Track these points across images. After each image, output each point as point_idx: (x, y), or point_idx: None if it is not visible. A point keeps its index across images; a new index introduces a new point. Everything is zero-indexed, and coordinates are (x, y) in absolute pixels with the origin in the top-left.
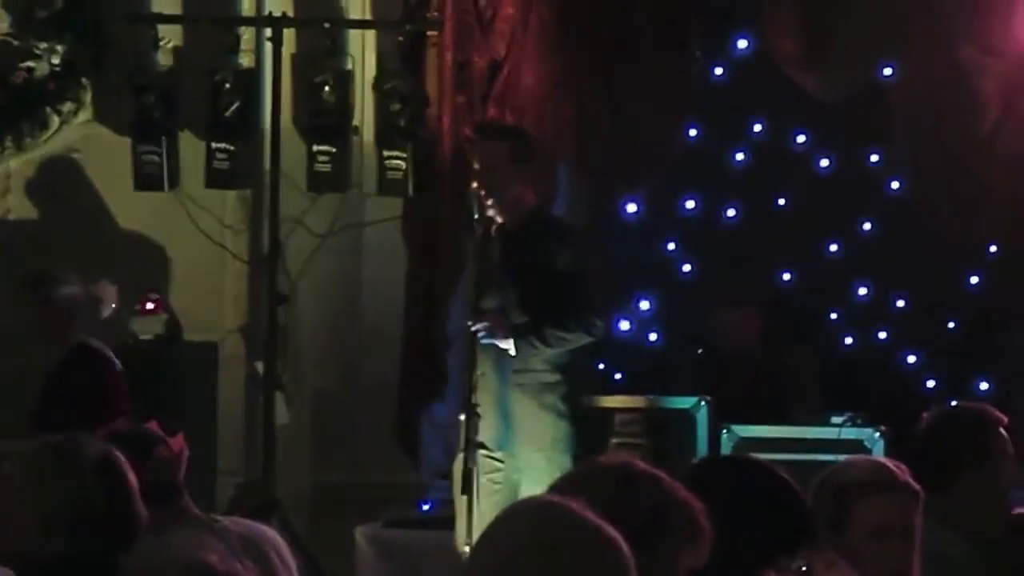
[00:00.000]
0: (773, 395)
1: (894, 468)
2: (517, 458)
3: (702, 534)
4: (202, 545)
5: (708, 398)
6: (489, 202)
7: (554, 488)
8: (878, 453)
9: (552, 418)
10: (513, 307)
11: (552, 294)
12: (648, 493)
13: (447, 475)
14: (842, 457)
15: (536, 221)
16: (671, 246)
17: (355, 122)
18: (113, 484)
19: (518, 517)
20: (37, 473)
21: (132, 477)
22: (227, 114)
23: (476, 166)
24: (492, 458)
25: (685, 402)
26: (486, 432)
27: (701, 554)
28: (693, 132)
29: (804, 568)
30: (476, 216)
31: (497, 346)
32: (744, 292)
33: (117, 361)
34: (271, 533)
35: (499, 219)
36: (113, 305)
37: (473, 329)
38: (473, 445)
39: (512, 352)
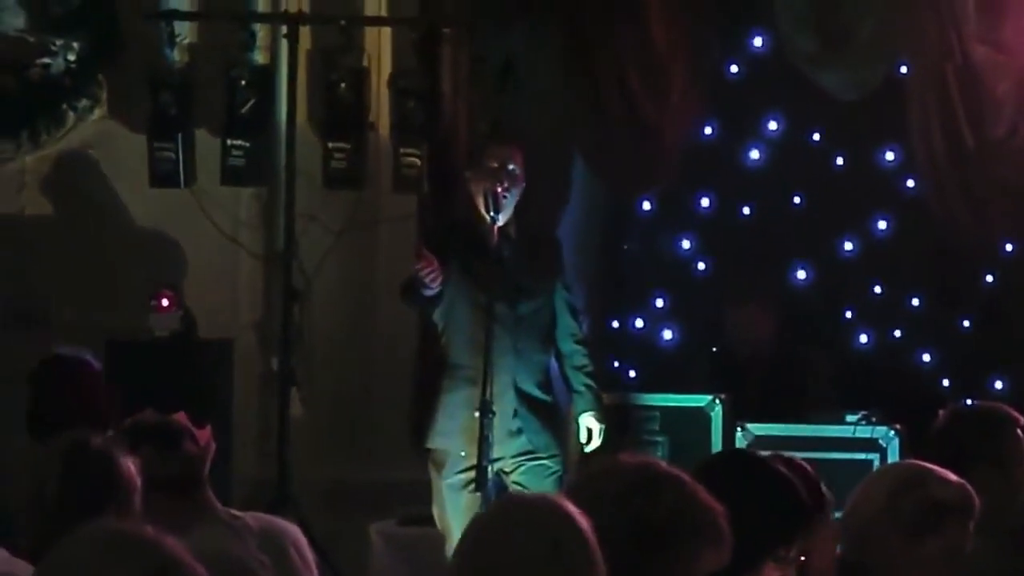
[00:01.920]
0: (788, 393)
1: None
2: (534, 453)
3: (722, 537)
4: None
5: (723, 396)
6: (504, 200)
7: (573, 485)
8: (893, 452)
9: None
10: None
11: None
12: (670, 494)
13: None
14: (858, 455)
15: (531, 232)
16: (686, 244)
17: (371, 119)
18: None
19: (511, 514)
20: None
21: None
22: (243, 111)
23: (492, 165)
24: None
25: (700, 400)
26: (500, 430)
27: (721, 557)
28: (708, 129)
29: (803, 558)
30: (492, 212)
31: (515, 344)
32: (759, 290)
33: (95, 363)
34: (291, 528)
35: (502, 220)
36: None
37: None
38: (488, 444)
39: (599, 436)
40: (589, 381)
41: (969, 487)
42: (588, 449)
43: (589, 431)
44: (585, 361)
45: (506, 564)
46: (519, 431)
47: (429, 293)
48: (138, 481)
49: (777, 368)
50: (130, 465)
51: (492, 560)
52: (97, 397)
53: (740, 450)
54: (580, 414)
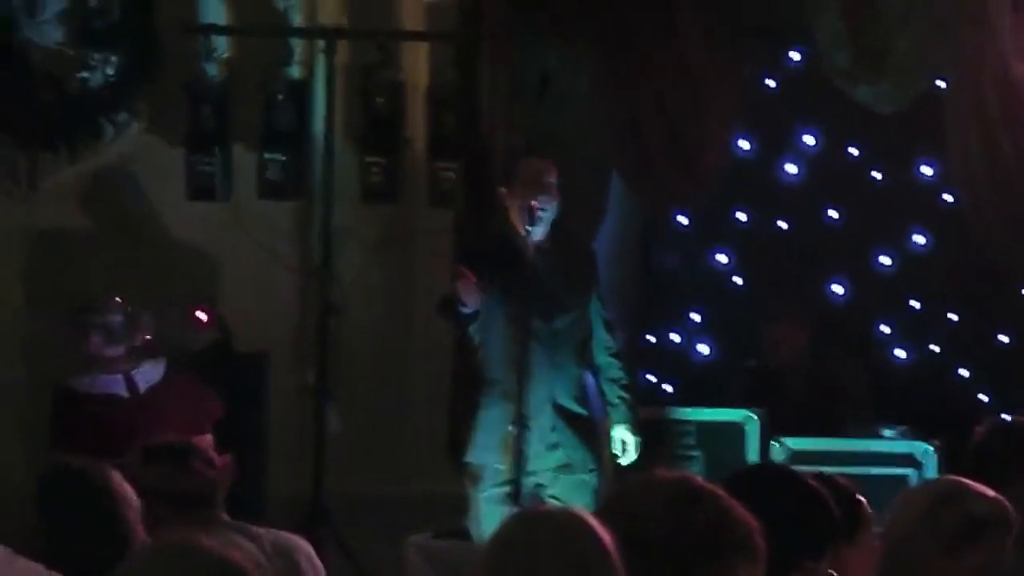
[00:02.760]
0: (825, 408)
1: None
2: (572, 468)
3: (758, 553)
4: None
5: (759, 410)
6: (540, 215)
7: (610, 501)
8: (930, 467)
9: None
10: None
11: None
12: (707, 510)
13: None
14: (896, 470)
15: (567, 244)
16: (722, 258)
17: (407, 133)
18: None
19: (533, 527)
20: None
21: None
22: (280, 125)
23: (528, 179)
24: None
25: (736, 414)
26: (536, 444)
27: (757, 573)
28: (745, 144)
29: (831, 572)
30: (529, 226)
31: (552, 358)
32: (795, 304)
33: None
34: (302, 543)
35: (539, 235)
36: (148, 336)
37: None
38: (524, 458)
39: (634, 449)
40: (624, 394)
41: (1007, 502)
42: (622, 462)
43: (624, 443)
44: (621, 374)
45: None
46: (556, 445)
47: (466, 311)
48: (131, 496)
49: (814, 383)
50: (120, 482)
51: (514, 572)
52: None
53: (770, 463)
54: (615, 426)
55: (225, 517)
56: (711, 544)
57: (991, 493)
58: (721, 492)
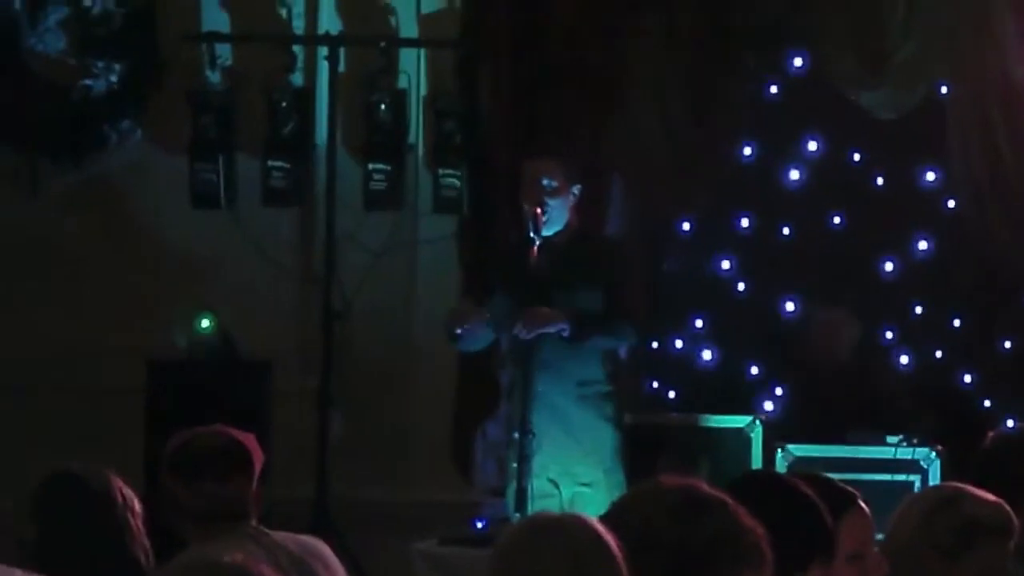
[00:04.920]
0: (829, 414)
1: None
2: (577, 474)
3: (764, 560)
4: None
5: (763, 417)
6: (543, 218)
7: (616, 507)
8: (934, 474)
9: (611, 429)
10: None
11: (599, 307)
12: (712, 518)
13: (501, 493)
14: (899, 477)
15: (584, 237)
16: (725, 264)
17: (410, 140)
18: None
19: (536, 530)
20: None
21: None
22: (283, 133)
23: (530, 181)
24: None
25: (740, 421)
26: (543, 449)
27: None
28: (748, 150)
29: None
30: (531, 233)
31: (556, 363)
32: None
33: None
34: (322, 548)
35: (546, 234)
36: None
37: (520, 336)
38: (528, 464)
39: (566, 333)
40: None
41: (1007, 507)
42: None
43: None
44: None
45: None
46: (562, 449)
47: (458, 332)
48: (134, 502)
49: (818, 388)
50: (121, 487)
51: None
52: None
53: (764, 472)
54: None
55: (254, 525)
56: (718, 551)
57: (991, 498)
58: (727, 499)
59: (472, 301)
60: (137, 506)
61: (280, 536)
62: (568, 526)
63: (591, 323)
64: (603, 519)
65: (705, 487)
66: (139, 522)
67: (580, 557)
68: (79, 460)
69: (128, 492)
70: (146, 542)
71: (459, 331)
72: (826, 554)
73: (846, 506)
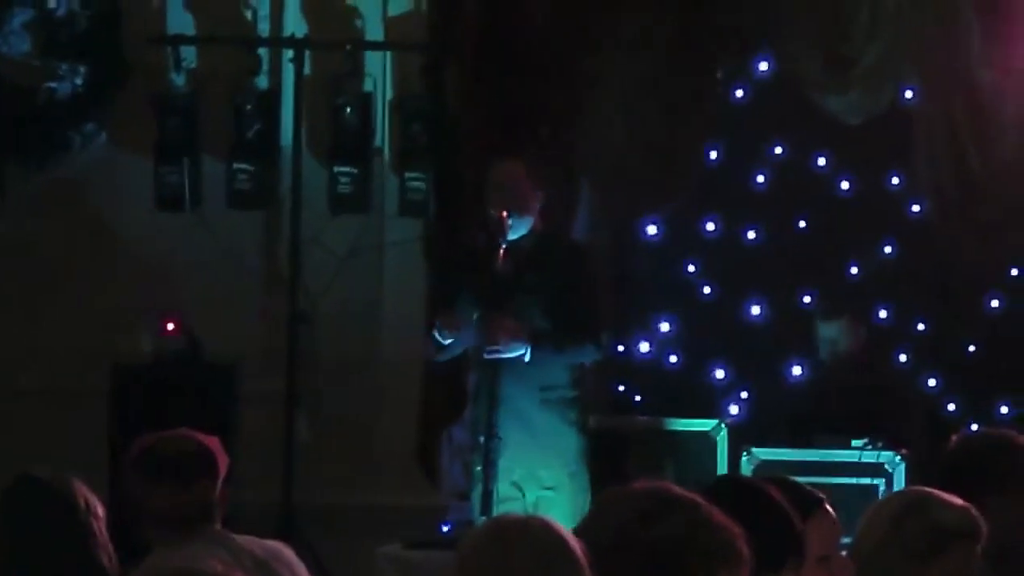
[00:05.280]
0: (793, 418)
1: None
2: (541, 477)
3: (740, 558)
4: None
5: (728, 420)
6: (508, 222)
7: (590, 512)
8: (899, 477)
9: (575, 433)
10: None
11: (564, 310)
12: (684, 518)
13: (467, 496)
14: (864, 480)
15: (549, 240)
16: (692, 268)
17: (376, 143)
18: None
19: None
20: None
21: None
22: (248, 135)
23: (496, 185)
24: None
25: (705, 424)
26: (508, 453)
27: None
28: (714, 154)
29: None
30: (498, 237)
31: (522, 367)
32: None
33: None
34: (287, 552)
35: (512, 238)
36: None
37: (485, 355)
38: (494, 468)
39: (527, 358)
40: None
41: (974, 511)
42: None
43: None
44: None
45: None
46: (526, 452)
47: (444, 342)
48: (97, 507)
49: (784, 392)
50: (86, 493)
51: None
52: None
53: (735, 476)
54: None
55: (218, 528)
56: (690, 549)
57: (958, 502)
58: (700, 500)
59: (450, 313)
60: (101, 511)
61: (245, 540)
62: (532, 528)
63: (550, 345)
64: (577, 525)
65: (676, 489)
66: (103, 526)
67: (544, 558)
68: (43, 464)
69: (92, 497)
70: (110, 547)
71: (450, 340)
72: (797, 557)
73: (813, 509)
